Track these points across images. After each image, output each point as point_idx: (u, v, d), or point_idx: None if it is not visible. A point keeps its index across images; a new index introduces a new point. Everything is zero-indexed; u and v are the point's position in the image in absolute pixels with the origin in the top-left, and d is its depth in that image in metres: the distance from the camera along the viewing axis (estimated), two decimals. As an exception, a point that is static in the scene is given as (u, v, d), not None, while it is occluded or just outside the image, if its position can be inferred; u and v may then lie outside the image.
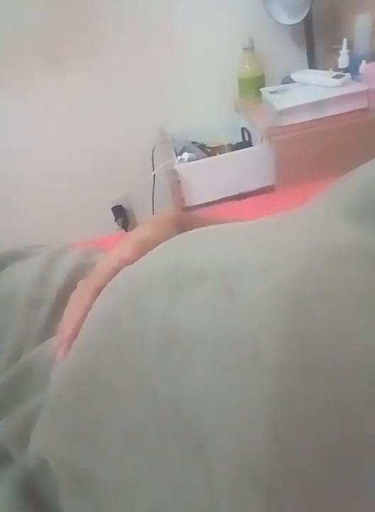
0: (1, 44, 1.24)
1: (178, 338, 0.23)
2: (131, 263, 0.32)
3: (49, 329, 0.40)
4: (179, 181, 1.12)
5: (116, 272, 0.32)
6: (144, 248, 0.32)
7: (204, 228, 0.32)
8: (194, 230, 0.32)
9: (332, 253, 0.23)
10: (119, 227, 1.55)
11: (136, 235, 0.36)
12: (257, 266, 0.24)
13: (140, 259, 0.31)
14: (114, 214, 1.56)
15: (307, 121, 1.02)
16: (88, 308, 0.31)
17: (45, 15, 1.23)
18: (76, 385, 0.26)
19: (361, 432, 0.18)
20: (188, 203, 1.16)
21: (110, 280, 0.31)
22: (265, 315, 0.21)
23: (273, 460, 0.18)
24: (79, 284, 0.35)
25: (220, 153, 1.23)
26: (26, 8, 1.21)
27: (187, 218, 0.42)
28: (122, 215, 1.57)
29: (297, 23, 1.22)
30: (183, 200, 1.15)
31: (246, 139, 1.34)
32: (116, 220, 1.57)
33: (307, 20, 1.24)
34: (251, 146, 1.23)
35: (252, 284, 0.23)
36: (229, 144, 1.32)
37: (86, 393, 0.25)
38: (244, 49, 1.28)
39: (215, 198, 1.15)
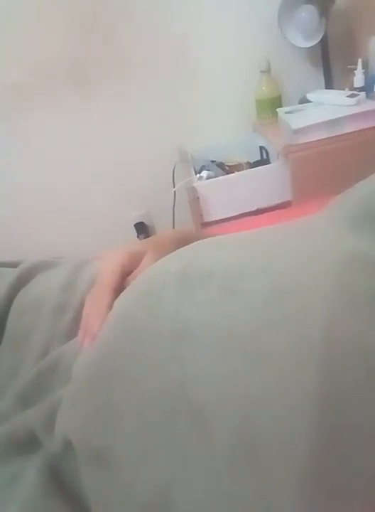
0: (29, 67, 1.31)
1: (186, 331, 0.25)
2: (128, 263, 0.37)
3: (73, 331, 0.43)
4: (198, 198, 1.16)
5: (122, 273, 0.37)
6: (135, 254, 0.38)
7: (215, 237, 0.35)
8: (207, 239, 0.35)
9: (330, 258, 0.25)
10: (141, 243, 1.59)
11: (130, 246, 0.41)
12: (259, 268, 0.26)
13: (155, 264, 0.34)
14: (136, 230, 1.62)
15: (322, 139, 1.05)
16: (110, 308, 0.34)
17: (71, 39, 1.31)
18: (97, 372, 0.29)
19: (350, 422, 0.20)
20: (207, 219, 1.19)
21: (120, 281, 0.36)
22: (264, 312, 0.24)
23: (267, 433, 0.21)
24: (93, 289, 0.38)
25: (238, 171, 1.26)
26: (53, 32, 1.29)
27: (190, 235, 0.46)
28: (144, 232, 1.62)
29: (313, 45, 1.26)
30: (202, 215, 1.19)
31: (264, 157, 1.37)
32: (138, 236, 1.62)
33: (323, 43, 1.28)
34: (269, 164, 1.26)
35: (253, 284, 0.25)
36: (247, 162, 1.34)
37: (105, 379, 0.28)
38: (261, 72, 1.32)
39: (233, 214, 1.18)
